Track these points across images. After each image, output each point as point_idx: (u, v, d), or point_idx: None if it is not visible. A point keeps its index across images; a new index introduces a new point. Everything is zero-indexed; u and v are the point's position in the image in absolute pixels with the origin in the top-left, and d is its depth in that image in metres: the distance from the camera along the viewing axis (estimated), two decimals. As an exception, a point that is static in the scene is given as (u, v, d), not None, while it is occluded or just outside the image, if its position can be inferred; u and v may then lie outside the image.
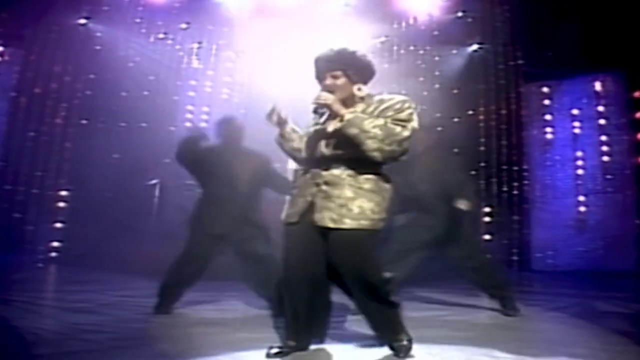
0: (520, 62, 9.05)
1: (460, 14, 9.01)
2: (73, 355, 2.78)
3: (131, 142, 8.01)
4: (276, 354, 2.79)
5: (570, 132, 9.12)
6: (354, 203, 2.69)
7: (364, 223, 2.69)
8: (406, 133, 2.69)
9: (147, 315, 3.92)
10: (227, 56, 8.89)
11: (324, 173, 2.76)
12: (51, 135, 8.09)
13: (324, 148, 2.80)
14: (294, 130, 3.02)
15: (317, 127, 2.86)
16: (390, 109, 2.74)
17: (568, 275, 7.90)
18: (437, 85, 8.70)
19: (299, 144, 2.96)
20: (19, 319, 3.52)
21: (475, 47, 9.26)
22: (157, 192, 7.99)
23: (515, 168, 9.04)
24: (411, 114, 2.74)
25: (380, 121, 2.67)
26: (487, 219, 8.86)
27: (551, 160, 9.19)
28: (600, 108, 8.93)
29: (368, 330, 3.01)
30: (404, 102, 2.78)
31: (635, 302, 5.12)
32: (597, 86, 8.99)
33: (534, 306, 4.79)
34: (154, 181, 8.09)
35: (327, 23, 8.25)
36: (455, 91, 8.64)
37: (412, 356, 2.82)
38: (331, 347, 2.99)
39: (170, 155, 8.52)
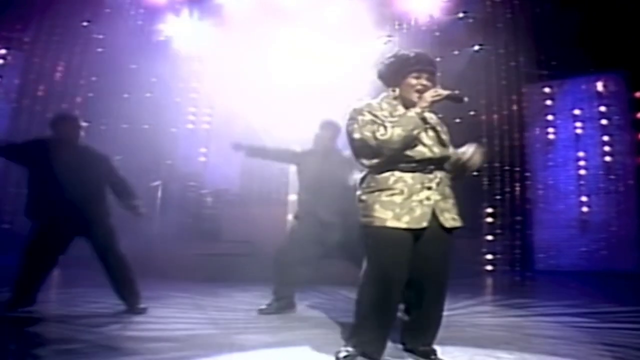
0: (521, 62, 9.05)
1: (461, 15, 9.03)
2: (77, 355, 2.79)
3: (133, 144, 8.03)
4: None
5: (572, 133, 9.12)
6: (454, 202, 2.85)
7: None
8: None
9: (151, 317, 3.93)
10: (229, 57, 8.90)
11: (431, 176, 2.75)
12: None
13: (435, 149, 2.79)
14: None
15: (417, 128, 2.69)
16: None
17: (570, 275, 7.90)
18: (438, 86, 8.69)
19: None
20: (23, 321, 3.53)
21: (476, 47, 9.27)
22: (159, 194, 8.00)
23: (517, 169, 9.05)
24: None
25: None
26: (489, 219, 8.87)
27: (553, 160, 9.19)
28: (602, 108, 8.93)
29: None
30: None
31: (638, 302, 5.11)
32: (599, 86, 9.00)
33: (536, 306, 4.78)
34: (156, 182, 8.10)
35: (330, 25, 8.26)
36: (456, 92, 8.62)
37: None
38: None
39: (173, 157, 8.67)
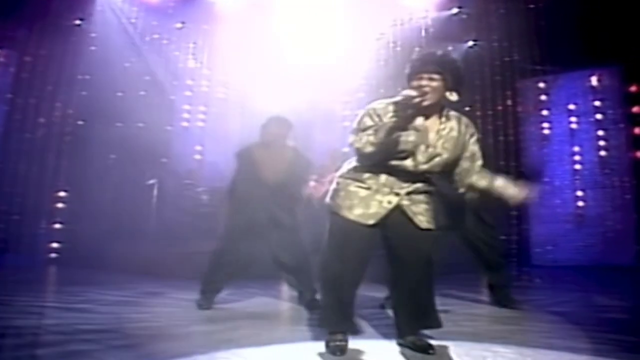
0: (515, 58, 9.06)
1: (455, 11, 9.04)
2: (75, 355, 2.77)
3: (128, 143, 8.00)
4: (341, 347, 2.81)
5: (567, 128, 9.14)
6: (429, 207, 2.89)
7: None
8: None
9: (148, 315, 3.92)
10: (223, 55, 8.89)
11: (405, 185, 2.80)
12: (48, 136, 8.07)
13: (421, 166, 2.79)
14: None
15: (390, 135, 2.66)
16: (474, 137, 2.95)
17: (567, 269, 7.92)
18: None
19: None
20: (19, 320, 3.51)
21: (470, 43, 9.28)
22: (155, 192, 7.97)
23: (513, 164, 9.05)
24: None
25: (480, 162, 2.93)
26: (485, 214, 8.87)
27: (548, 155, 9.21)
28: (597, 103, 8.95)
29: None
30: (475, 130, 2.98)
31: (634, 296, 5.14)
32: (593, 81, 9.01)
33: (533, 301, 4.79)
34: (152, 181, 8.07)
35: (322, 21, 8.26)
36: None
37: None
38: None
39: (168, 155, 8.64)
